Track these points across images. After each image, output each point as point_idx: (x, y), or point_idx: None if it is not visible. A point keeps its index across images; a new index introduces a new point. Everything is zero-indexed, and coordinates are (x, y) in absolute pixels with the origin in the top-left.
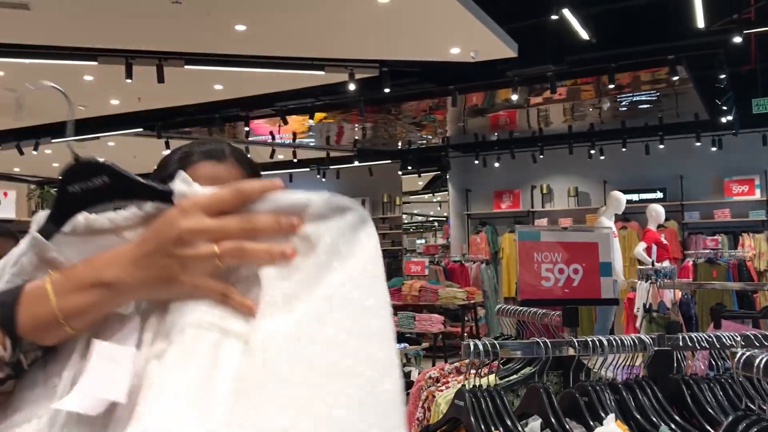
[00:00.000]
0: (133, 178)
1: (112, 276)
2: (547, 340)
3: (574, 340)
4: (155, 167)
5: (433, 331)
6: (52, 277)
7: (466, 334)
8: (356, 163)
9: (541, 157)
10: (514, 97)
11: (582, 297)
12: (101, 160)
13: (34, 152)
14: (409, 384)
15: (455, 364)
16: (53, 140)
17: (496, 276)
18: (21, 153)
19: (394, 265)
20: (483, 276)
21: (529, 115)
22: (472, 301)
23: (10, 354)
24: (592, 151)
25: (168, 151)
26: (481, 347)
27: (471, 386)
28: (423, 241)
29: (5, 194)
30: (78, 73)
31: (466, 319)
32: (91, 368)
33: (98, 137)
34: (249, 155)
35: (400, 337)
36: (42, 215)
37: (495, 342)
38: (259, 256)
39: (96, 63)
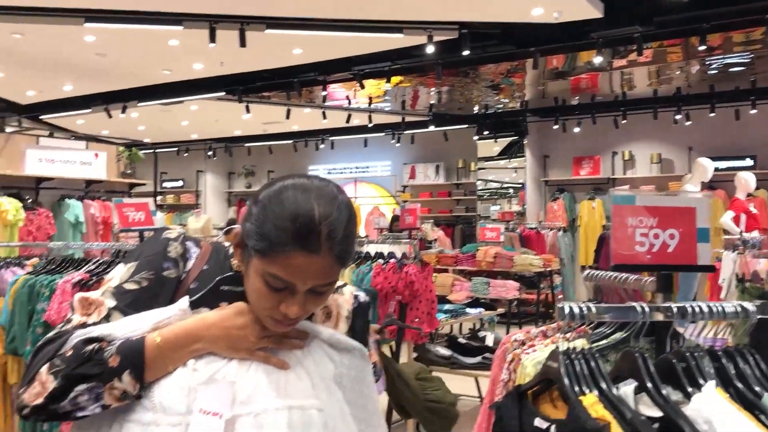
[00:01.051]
0: None
1: (201, 347)
2: (644, 305)
3: (672, 305)
4: (259, 191)
5: (507, 297)
6: (161, 340)
7: (540, 301)
8: (431, 128)
9: (624, 122)
10: (597, 60)
11: (677, 263)
12: None
13: (122, 115)
14: (483, 348)
15: (541, 328)
16: (139, 104)
17: (574, 244)
18: (109, 116)
19: (468, 232)
20: (560, 243)
21: (612, 78)
22: (549, 269)
23: (137, 392)
24: (678, 117)
25: (248, 115)
26: (576, 310)
27: (564, 348)
28: (497, 207)
29: (96, 155)
30: (163, 38)
31: (541, 286)
32: (195, 422)
33: (182, 101)
34: (346, 220)
35: (475, 303)
36: (186, 299)
37: (590, 305)
38: (287, 346)
39: (181, 28)
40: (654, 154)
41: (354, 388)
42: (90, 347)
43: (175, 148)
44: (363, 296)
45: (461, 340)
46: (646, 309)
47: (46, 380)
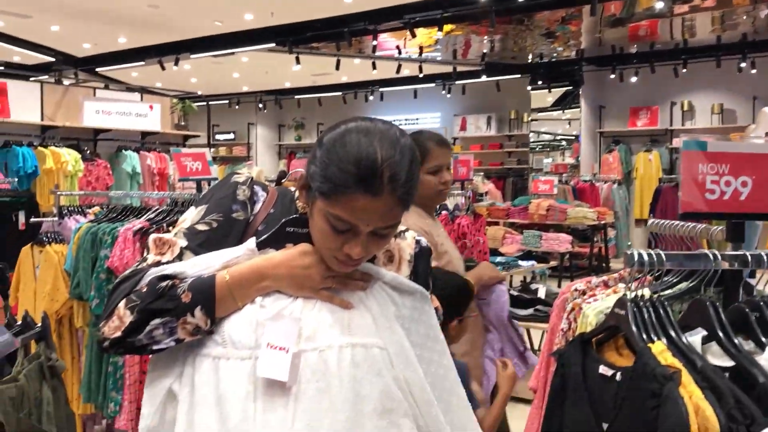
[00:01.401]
0: None
1: (268, 285)
2: (716, 252)
3: (747, 253)
4: (316, 145)
5: (560, 250)
6: (230, 278)
7: (593, 255)
8: (483, 78)
9: (684, 71)
10: (658, 6)
11: (749, 211)
12: None
13: (175, 67)
14: (536, 300)
15: (602, 278)
16: (191, 56)
17: (629, 197)
18: (162, 68)
19: (519, 185)
20: (614, 196)
21: (672, 25)
22: (602, 222)
23: (208, 327)
24: (743, 65)
25: (298, 67)
26: (645, 256)
27: (632, 296)
28: (550, 160)
29: (151, 107)
30: None
31: (594, 240)
32: (263, 356)
33: (233, 53)
34: (409, 162)
35: (527, 255)
36: (253, 240)
37: (660, 252)
38: (350, 287)
39: None
40: (715, 104)
41: (417, 330)
42: (164, 284)
43: (227, 101)
44: (425, 242)
45: (513, 292)
46: (719, 256)
47: (123, 315)
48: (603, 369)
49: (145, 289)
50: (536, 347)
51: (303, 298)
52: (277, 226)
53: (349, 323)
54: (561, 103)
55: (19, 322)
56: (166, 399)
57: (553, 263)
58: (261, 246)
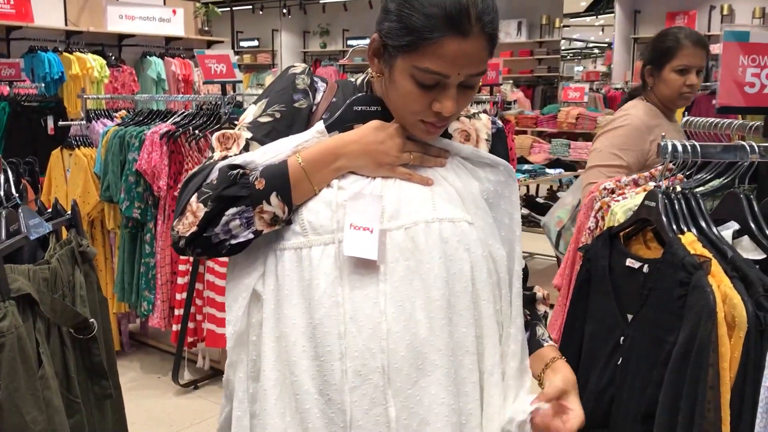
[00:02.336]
0: (389, 112)
1: (343, 164)
2: (753, 144)
3: None
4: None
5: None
6: (303, 161)
7: None
8: None
9: None
10: None
11: None
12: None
13: None
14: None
15: (632, 177)
16: None
17: None
18: None
19: (549, 93)
20: None
21: None
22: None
23: (286, 216)
24: None
25: None
26: (679, 147)
27: (664, 188)
28: (581, 68)
29: (174, 12)
30: None
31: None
32: (348, 236)
33: None
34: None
35: (556, 163)
36: (321, 123)
37: (695, 143)
38: (429, 164)
39: None
40: (757, 8)
41: (500, 206)
42: (234, 172)
43: (250, 6)
44: (500, 123)
45: (539, 200)
46: (756, 148)
47: (196, 209)
48: (630, 262)
49: (215, 179)
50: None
51: (382, 177)
52: (345, 106)
53: (433, 199)
54: (595, 8)
55: (50, 210)
56: (250, 301)
57: (580, 171)
58: (330, 128)
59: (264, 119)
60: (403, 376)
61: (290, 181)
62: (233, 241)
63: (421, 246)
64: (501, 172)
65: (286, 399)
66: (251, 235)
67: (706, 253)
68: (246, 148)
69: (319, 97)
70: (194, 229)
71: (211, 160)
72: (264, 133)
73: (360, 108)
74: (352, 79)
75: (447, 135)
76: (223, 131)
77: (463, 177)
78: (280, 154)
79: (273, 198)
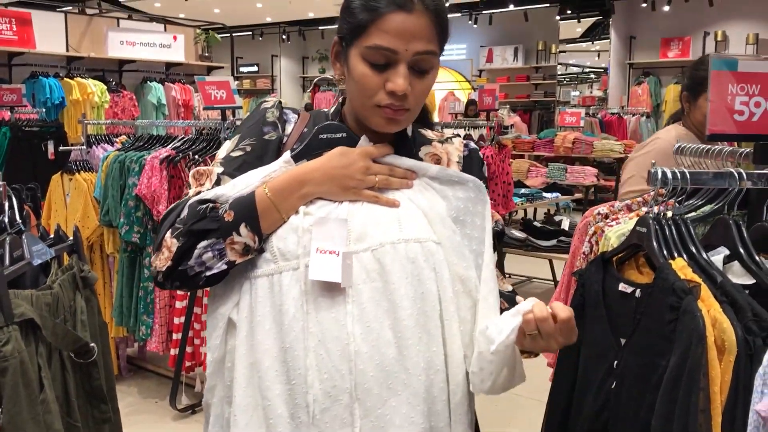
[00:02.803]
0: (354, 137)
1: (309, 191)
2: (742, 171)
3: None
4: (341, 11)
5: (585, 183)
6: (269, 191)
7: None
8: (511, 8)
9: None
10: None
11: None
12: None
13: None
14: (559, 232)
15: (626, 202)
16: None
17: (657, 130)
18: None
19: (546, 118)
20: (642, 129)
21: None
22: (629, 155)
23: (257, 245)
24: None
25: None
26: (669, 174)
27: (654, 214)
28: (577, 93)
29: (174, 38)
30: None
31: (620, 173)
32: (314, 260)
33: None
34: None
35: (552, 187)
36: (288, 153)
37: (684, 170)
38: (396, 185)
39: None
40: (750, 35)
41: (471, 222)
42: (204, 206)
43: (250, 32)
44: (473, 145)
45: (536, 224)
46: (744, 175)
47: (170, 244)
48: (622, 286)
49: (186, 215)
50: (558, 278)
51: (349, 201)
52: (311, 135)
53: (400, 221)
54: (590, 34)
55: (52, 236)
56: (226, 329)
57: (577, 196)
58: (297, 158)
59: (235, 153)
60: (373, 396)
61: (258, 211)
62: (208, 273)
63: (387, 267)
64: (470, 188)
65: (257, 424)
66: (225, 266)
67: (696, 278)
68: (218, 183)
69: (289, 128)
70: (169, 263)
71: (186, 198)
72: (235, 167)
73: (326, 136)
74: (326, 110)
75: (417, 159)
76: (198, 168)
77: (430, 197)
78: (250, 186)
79: (242, 229)
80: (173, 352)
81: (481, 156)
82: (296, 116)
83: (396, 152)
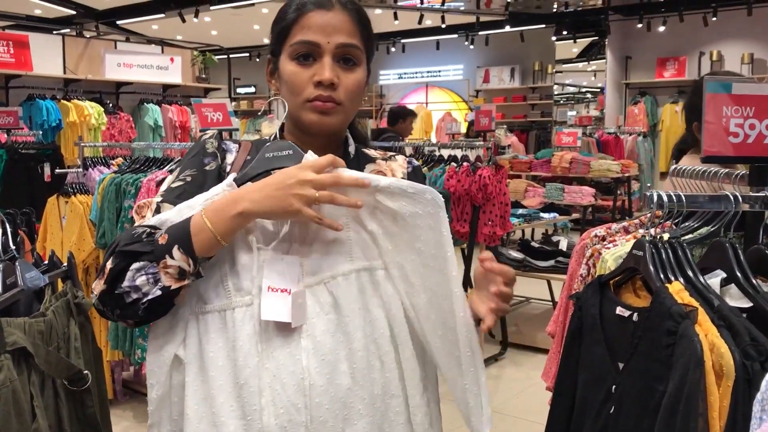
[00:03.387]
0: (300, 152)
1: (245, 207)
2: (737, 194)
3: None
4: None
5: (582, 203)
6: (204, 212)
7: (617, 208)
8: (507, 29)
9: (714, 19)
10: None
11: None
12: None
13: (195, 19)
14: (557, 252)
15: (623, 224)
16: (212, 7)
17: (654, 149)
18: (183, 20)
19: (542, 138)
20: (639, 149)
21: None
22: (627, 175)
23: (192, 269)
24: None
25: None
26: (665, 197)
27: (651, 237)
28: (574, 113)
29: (172, 60)
30: None
31: (618, 192)
32: (265, 299)
33: (253, 4)
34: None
35: (550, 207)
36: (232, 176)
37: (680, 193)
38: (341, 202)
39: None
40: (746, 54)
41: (428, 238)
42: (140, 230)
43: (247, 54)
44: (416, 162)
45: (534, 244)
46: (740, 198)
47: (106, 267)
48: (620, 310)
49: (122, 237)
50: (556, 299)
51: (297, 227)
52: (257, 156)
53: (350, 247)
54: (586, 54)
55: (46, 262)
56: (171, 366)
57: (575, 215)
58: (242, 180)
59: (176, 184)
60: (329, 428)
61: (191, 233)
62: (144, 299)
63: (340, 300)
64: (426, 201)
65: None
66: (159, 292)
67: (693, 302)
68: (158, 211)
69: (230, 157)
70: (104, 286)
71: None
72: (175, 195)
73: (271, 154)
74: (266, 138)
75: None
76: (138, 203)
77: (381, 217)
78: (193, 210)
79: (175, 251)
80: None
81: (421, 169)
82: (237, 146)
83: None
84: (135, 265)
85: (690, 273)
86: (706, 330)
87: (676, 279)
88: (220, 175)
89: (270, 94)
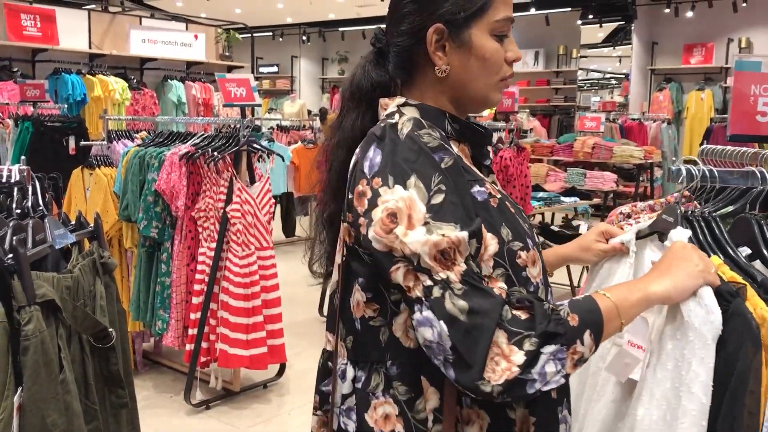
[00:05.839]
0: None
1: (659, 298)
2: (764, 170)
3: None
4: None
5: (604, 189)
6: (615, 299)
7: (639, 194)
8: (532, 11)
9: (744, 5)
10: None
11: None
12: None
13: None
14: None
15: (649, 202)
16: None
17: (678, 137)
18: None
19: (565, 123)
20: (663, 136)
21: None
22: (650, 161)
23: (588, 357)
24: None
25: None
26: (694, 171)
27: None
28: (598, 98)
29: (196, 37)
30: None
31: (640, 179)
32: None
33: None
34: None
35: (571, 192)
36: (632, 233)
37: (705, 167)
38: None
39: None
40: None
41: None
42: (546, 306)
43: (270, 33)
44: None
45: (554, 228)
46: (766, 174)
47: (509, 352)
48: None
49: (525, 316)
50: (576, 284)
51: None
52: (657, 217)
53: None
54: (612, 39)
55: (73, 222)
56: None
57: (596, 201)
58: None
59: (437, 200)
60: None
61: (604, 319)
62: (543, 389)
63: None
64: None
65: None
66: (562, 380)
67: (737, 277)
68: (478, 243)
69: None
70: (513, 374)
71: (446, 285)
72: (459, 216)
73: (664, 216)
74: (409, 116)
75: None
76: (435, 243)
77: None
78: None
79: (586, 336)
80: (189, 347)
81: None
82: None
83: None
84: (548, 349)
85: (728, 248)
86: (755, 305)
87: (714, 253)
88: (461, 169)
89: (293, 74)
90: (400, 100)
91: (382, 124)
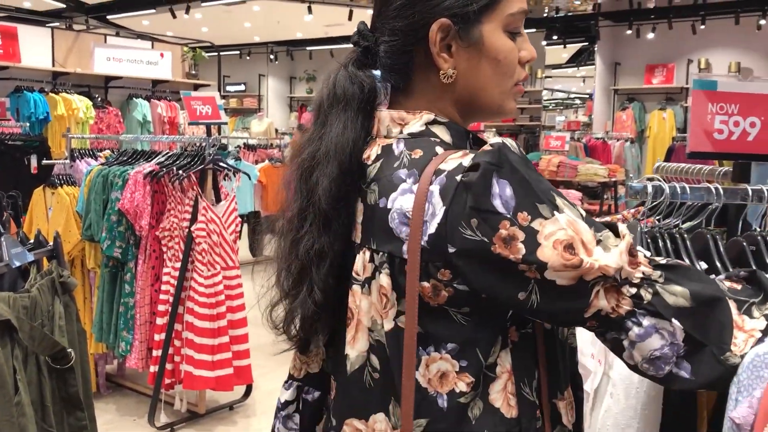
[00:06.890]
0: None
1: None
2: (719, 186)
3: (749, 188)
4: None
5: None
6: None
7: (604, 212)
8: None
9: (702, 27)
10: None
11: (757, 152)
12: None
13: (186, 16)
14: None
15: (606, 219)
16: (203, 3)
17: (641, 155)
18: (173, 16)
19: (531, 142)
20: (626, 155)
21: None
22: (614, 179)
23: None
24: (762, 22)
25: (310, 17)
26: (650, 187)
27: (648, 227)
28: (563, 118)
29: (162, 55)
30: None
31: (605, 197)
32: None
33: (244, 1)
34: None
35: None
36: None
37: (665, 184)
38: None
39: None
40: (732, 63)
41: None
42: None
43: (238, 51)
44: None
45: None
46: (721, 190)
47: (741, 323)
48: None
49: (738, 286)
50: None
51: None
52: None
53: None
54: (576, 60)
55: (32, 241)
56: None
57: None
58: None
59: (580, 210)
60: None
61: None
62: None
63: None
64: None
65: None
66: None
67: None
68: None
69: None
70: (756, 338)
71: (651, 279)
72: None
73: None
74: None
75: None
76: (624, 251)
77: None
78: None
79: None
80: (153, 369)
81: None
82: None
83: None
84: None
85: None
86: None
87: None
88: None
89: (260, 93)
90: (428, 117)
91: (487, 148)
